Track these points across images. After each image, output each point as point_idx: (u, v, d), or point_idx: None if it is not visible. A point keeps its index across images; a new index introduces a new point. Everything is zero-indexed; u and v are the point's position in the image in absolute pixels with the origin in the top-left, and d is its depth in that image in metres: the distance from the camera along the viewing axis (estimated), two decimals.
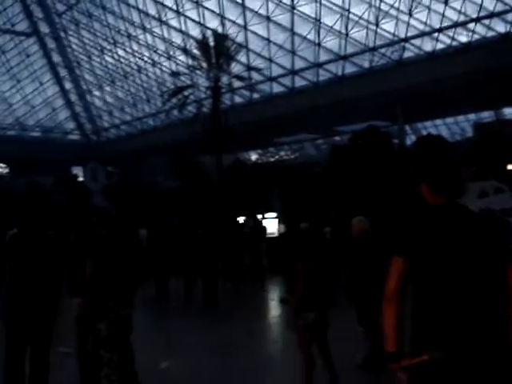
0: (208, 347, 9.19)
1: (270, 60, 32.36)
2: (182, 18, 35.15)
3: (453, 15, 26.08)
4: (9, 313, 5.93)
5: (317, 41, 30.00)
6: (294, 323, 6.30)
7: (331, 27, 29.15)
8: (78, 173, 46.07)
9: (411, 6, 26.77)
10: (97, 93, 48.96)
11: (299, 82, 32.31)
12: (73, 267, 6.67)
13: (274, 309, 13.94)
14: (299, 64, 31.68)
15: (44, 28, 46.33)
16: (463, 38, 26.76)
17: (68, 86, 50.21)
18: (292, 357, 7.14)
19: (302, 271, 6.19)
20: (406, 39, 27.65)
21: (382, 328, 3.25)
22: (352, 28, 28.59)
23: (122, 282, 6.16)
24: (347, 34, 28.83)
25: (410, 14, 26.92)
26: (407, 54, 28.12)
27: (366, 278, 7.21)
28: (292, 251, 13.82)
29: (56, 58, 48.35)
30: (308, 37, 30.26)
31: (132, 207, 30.84)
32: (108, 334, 6.01)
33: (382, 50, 28.59)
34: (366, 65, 29.23)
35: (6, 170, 44.45)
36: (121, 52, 42.23)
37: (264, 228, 18.62)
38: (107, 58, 44.02)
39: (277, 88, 33.64)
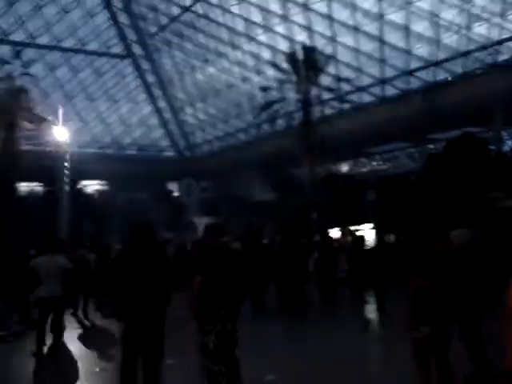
0: (311, 358, 9.24)
1: (360, 70, 32.16)
2: (270, 33, 35.58)
3: None
4: (124, 324, 6.25)
5: (407, 48, 29.59)
6: (404, 335, 6.16)
7: (421, 34, 28.69)
8: (173, 188, 47.40)
9: (504, 9, 25.98)
10: (189, 110, 50.27)
11: (389, 91, 31.93)
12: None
13: (374, 321, 13.80)
14: (389, 72, 31.33)
15: (137, 49, 48.10)
16: None
17: (162, 104, 51.82)
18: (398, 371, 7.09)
19: (414, 286, 6.07)
20: (500, 42, 26.81)
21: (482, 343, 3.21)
22: (443, 33, 28.04)
23: (228, 296, 6.36)
24: (438, 40, 28.28)
25: (503, 16, 26.13)
26: (501, 57, 27.24)
27: (466, 292, 7.01)
28: (386, 263, 13.71)
29: (150, 77, 50.07)
30: (398, 44, 29.91)
31: (228, 221, 31.45)
32: (215, 347, 6.22)
33: (475, 55, 27.85)
34: (459, 70, 28.54)
35: (105, 187, 46.24)
36: (211, 69, 43.18)
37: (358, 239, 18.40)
38: (198, 76, 45.11)
39: (367, 97, 33.38)
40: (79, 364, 9.72)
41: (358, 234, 19.82)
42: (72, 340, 11.36)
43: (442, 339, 6.05)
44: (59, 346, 10.14)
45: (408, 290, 6.15)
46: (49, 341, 10.07)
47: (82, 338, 12.24)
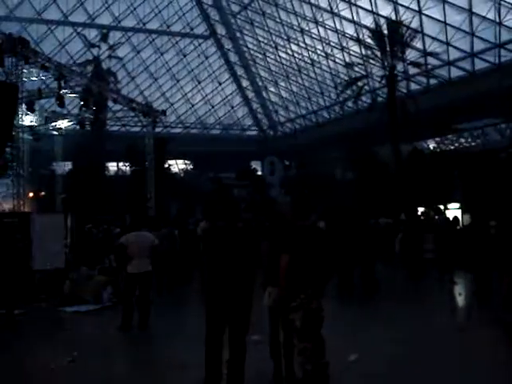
0: (395, 340, 9.12)
1: (448, 44, 31.08)
2: (353, 8, 34.91)
3: None
4: (208, 299, 6.36)
5: (497, 20, 28.30)
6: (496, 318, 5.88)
7: None
8: (257, 167, 47.68)
9: None
10: (272, 89, 50.28)
11: (479, 65, 30.69)
12: (267, 258, 6.92)
13: (463, 302, 13.46)
14: (479, 46, 30.09)
15: (220, 29, 48.38)
16: None
17: (245, 83, 52.06)
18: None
19: None
20: None
21: None
22: None
23: (314, 274, 6.34)
24: None
25: None
26: None
27: None
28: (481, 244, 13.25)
29: (233, 57, 50.35)
30: (488, 16, 28.64)
31: (306, 199, 31.34)
32: (302, 324, 6.23)
33: None
34: None
35: (191, 167, 47.05)
36: (294, 47, 42.91)
37: (449, 219, 17.93)
38: (281, 54, 44.96)
39: (456, 72, 32.23)
40: (163, 338, 10.00)
41: (446, 213, 19.33)
42: (161, 315, 11.68)
43: None
44: (148, 321, 10.45)
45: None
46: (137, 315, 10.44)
47: (169, 313, 12.56)
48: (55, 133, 26.95)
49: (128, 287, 10.58)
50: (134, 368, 8.19)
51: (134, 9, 43.42)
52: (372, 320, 10.97)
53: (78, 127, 27.23)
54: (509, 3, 27.31)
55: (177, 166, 45.80)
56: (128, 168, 37.90)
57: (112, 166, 41.48)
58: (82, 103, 24.21)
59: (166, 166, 38.13)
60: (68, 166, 35.89)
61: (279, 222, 7.40)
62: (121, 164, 40.63)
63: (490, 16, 28.30)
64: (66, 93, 22.63)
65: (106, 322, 11.07)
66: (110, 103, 29.15)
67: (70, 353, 8.48)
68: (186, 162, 47.68)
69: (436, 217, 19.41)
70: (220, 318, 6.30)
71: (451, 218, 15.90)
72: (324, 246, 6.55)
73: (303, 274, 6.27)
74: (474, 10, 28.95)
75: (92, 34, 41.47)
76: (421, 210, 24.17)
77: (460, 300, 13.76)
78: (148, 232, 11.12)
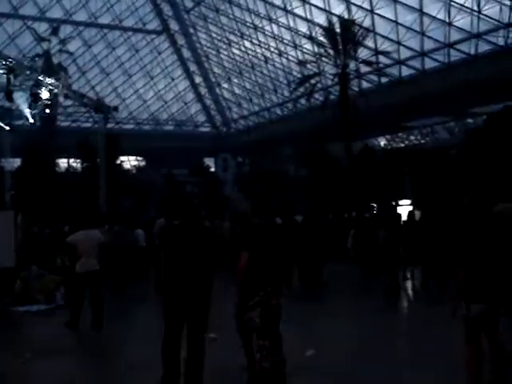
0: (354, 335, 9.27)
1: (399, 43, 31.58)
2: (307, 6, 35.15)
3: None
4: (166, 297, 6.33)
5: (447, 20, 28.89)
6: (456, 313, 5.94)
7: (462, 4, 27.96)
8: (210, 164, 47.57)
9: None
10: (225, 85, 50.20)
11: (429, 64, 31.29)
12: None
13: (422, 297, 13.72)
14: (429, 45, 30.67)
15: (173, 25, 48.04)
16: None
17: (198, 79, 51.84)
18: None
19: (464, 263, 5.84)
20: None
21: None
22: (484, 4, 27.27)
23: (273, 271, 6.38)
24: (479, 11, 27.53)
25: None
26: None
27: None
28: (432, 239, 13.56)
29: (186, 53, 50.03)
30: (438, 16, 29.21)
31: (263, 196, 31.49)
32: (260, 322, 6.26)
33: None
34: (501, 42, 27.80)
35: (143, 163, 46.66)
36: (247, 44, 42.95)
37: (399, 215, 18.26)
38: (235, 51, 44.94)
39: (406, 71, 32.80)
40: (118, 338, 9.91)
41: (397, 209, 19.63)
42: (115, 314, 11.56)
43: (493, 318, 5.83)
44: (102, 321, 10.34)
45: (455, 268, 6.03)
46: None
47: (124, 311, 12.44)
48: (4, 127, 26.31)
49: (77, 287, 10.46)
50: (90, 368, 8.08)
51: (86, 2, 42.74)
52: (327, 316, 11.09)
53: (27, 123, 26.64)
54: (458, 4, 27.92)
55: (129, 162, 45.35)
56: (79, 164, 37.32)
57: (63, 163, 40.75)
58: (31, 98, 23.71)
59: (118, 162, 37.68)
60: (17, 162, 35.09)
61: (238, 221, 7.44)
62: (71, 160, 39.97)
63: (440, 16, 28.91)
64: (15, 87, 22.14)
65: (59, 321, 10.88)
66: (61, 98, 28.61)
67: (22, 354, 8.33)
68: (139, 158, 47.26)
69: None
70: (178, 315, 6.28)
71: (406, 213, 16.12)
72: (282, 242, 6.61)
73: (262, 271, 6.31)
74: (424, 10, 29.51)
75: (42, 28, 40.62)
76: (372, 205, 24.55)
77: (412, 294, 14.05)
78: (95, 230, 10.97)
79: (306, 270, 14.56)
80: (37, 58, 35.86)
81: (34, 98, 23.59)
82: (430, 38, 30.17)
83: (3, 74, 21.04)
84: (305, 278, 14.56)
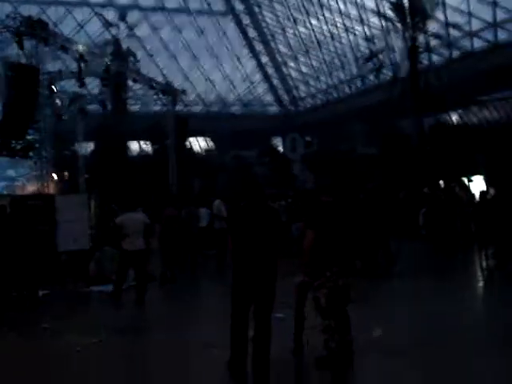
0: (421, 317, 9.10)
1: (470, 14, 30.50)
2: None
3: None
4: (234, 278, 6.39)
5: None
6: None
7: None
8: (278, 144, 47.48)
9: None
10: (292, 64, 49.83)
11: (502, 35, 30.10)
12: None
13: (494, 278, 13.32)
14: (501, 16, 29.48)
15: (238, 5, 47.96)
16: None
17: (264, 59, 51.64)
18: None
19: None
20: None
21: None
22: None
23: (340, 251, 6.32)
24: None
25: None
26: None
27: None
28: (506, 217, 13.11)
29: (251, 33, 49.89)
30: None
31: (330, 175, 31.24)
32: (326, 302, 6.23)
33: None
34: None
35: (212, 144, 47.04)
36: (313, 21, 42.43)
37: (472, 195, 17.82)
38: (300, 29, 44.49)
39: (478, 43, 31.66)
40: (187, 318, 10.08)
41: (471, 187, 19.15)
42: (184, 293, 11.76)
43: None
44: (144, 296, 11.00)
45: None
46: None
47: (193, 291, 12.65)
48: (77, 113, 27.04)
49: (122, 263, 11.49)
50: (159, 348, 8.23)
51: None
52: (399, 296, 10.95)
53: (99, 107, 27.30)
54: None
55: (198, 144, 45.81)
56: (150, 147, 37.97)
57: (134, 146, 41.60)
58: (102, 83, 24.25)
59: (188, 144, 38.12)
60: (90, 146, 36.05)
61: (305, 200, 7.41)
62: (142, 143, 40.72)
63: None
64: (86, 73, 22.66)
65: (131, 301, 11.18)
66: (130, 83, 29.15)
67: (99, 334, 8.58)
68: (207, 139, 47.66)
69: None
70: (245, 296, 6.33)
71: (478, 193, 15.62)
72: (349, 222, 6.54)
73: (328, 250, 6.26)
74: None
75: (110, 15, 41.36)
76: (441, 183, 24.01)
77: (488, 276, 13.63)
78: (140, 213, 12.00)
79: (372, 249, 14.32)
80: (106, 44, 36.62)
81: (105, 83, 24.10)
82: (502, 7, 28.99)
83: (74, 60, 21.53)
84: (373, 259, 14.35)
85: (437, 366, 6.76)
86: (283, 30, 46.47)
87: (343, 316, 6.40)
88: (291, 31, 45.89)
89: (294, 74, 50.74)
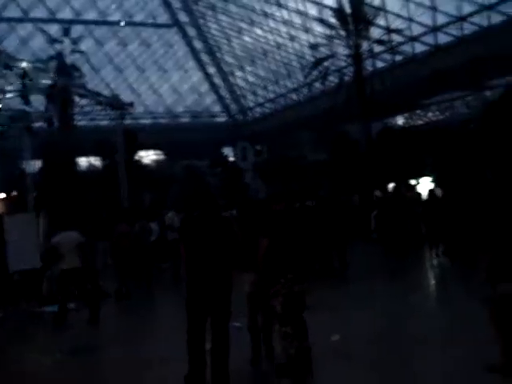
0: (374, 318, 9.22)
1: (410, 19, 31.21)
2: None
3: None
4: (189, 290, 6.35)
5: None
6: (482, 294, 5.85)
7: None
8: (229, 153, 47.54)
9: None
10: (239, 73, 50.03)
11: (443, 39, 30.89)
12: (244, 244, 6.93)
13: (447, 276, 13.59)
14: (442, 20, 30.27)
15: (183, 17, 47.95)
16: None
17: (211, 70, 51.72)
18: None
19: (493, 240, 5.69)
20: None
21: None
22: None
23: (294, 258, 6.36)
24: None
25: None
26: None
27: None
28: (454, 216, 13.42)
29: (197, 44, 49.94)
30: None
31: (281, 182, 31.45)
32: (282, 309, 6.26)
33: None
34: None
35: (162, 157, 46.75)
36: (258, 31, 42.73)
37: (419, 194, 18.20)
38: (246, 39, 44.75)
39: (420, 47, 32.42)
40: (141, 333, 9.98)
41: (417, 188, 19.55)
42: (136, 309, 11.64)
43: None
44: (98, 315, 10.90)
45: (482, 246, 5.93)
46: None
47: (145, 307, 12.54)
48: (23, 131, 26.52)
49: (61, 282, 11.52)
50: (116, 365, 8.12)
51: (95, 1, 42.81)
52: (355, 300, 11.07)
53: (45, 124, 26.82)
54: None
55: (148, 157, 45.46)
56: (99, 162, 37.50)
57: (83, 162, 41.00)
58: (47, 100, 23.87)
59: (137, 157, 37.82)
60: (38, 164, 35.37)
61: (255, 208, 7.44)
62: (92, 159, 40.18)
63: None
64: (31, 90, 22.28)
65: (85, 319, 11.01)
66: (77, 98, 28.74)
67: (51, 353, 8.43)
68: (157, 152, 47.34)
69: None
70: (201, 307, 6.30)
71: (426, 192, 15.96)
72: (302, 229, 6.59)
73: (282, 258, 6.29)
74: None
75: (54, 30, 40.79)
76: (391, 186, 24.44)
77: (439, 276, 13.92)
78: (74, 232, 11.75)
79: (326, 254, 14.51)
80: (50, 60, 36.03)
81: (51, 100, 23.72)
82: (441, 12, 29.77)
83: (18, 77, 21.14)
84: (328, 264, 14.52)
85: (395, 367, 6.86)
86: (229, 40, 46.64)
87: (300, 322, 6.43)
88: (237, 41, 46.09)
89: (241, 83, 50.95)
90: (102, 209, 25.89)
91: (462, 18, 28.98)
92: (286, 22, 39.49)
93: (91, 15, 43.35)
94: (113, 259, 14.21)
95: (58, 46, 39.73)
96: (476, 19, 28.53)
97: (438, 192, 16.75)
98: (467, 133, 24.74)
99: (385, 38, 31.58)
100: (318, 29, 36.79)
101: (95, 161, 39.16)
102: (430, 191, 15.81)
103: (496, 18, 27.74)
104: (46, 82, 23.30)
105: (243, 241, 6.86)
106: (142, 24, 46.53)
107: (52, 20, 41.53)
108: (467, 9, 28.72)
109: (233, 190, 33.32)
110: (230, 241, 6.47)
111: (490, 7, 27.51)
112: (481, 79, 31.79)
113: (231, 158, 46.26)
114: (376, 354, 7.36)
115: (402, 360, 7.04)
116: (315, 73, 33.71)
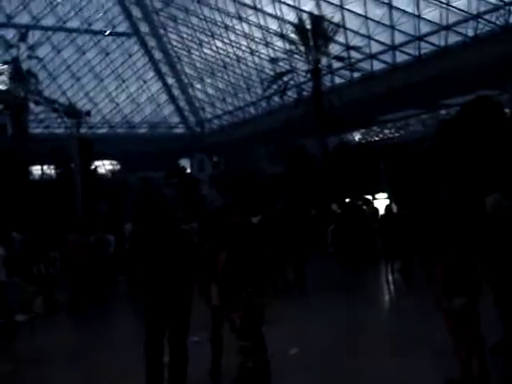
0: (335, 332, 9.25)
1: (369, 37, 31.72)
2: (277, 4, 35.15)
3: None
4: (147, 303, 6.24)
5: (416, 13, 29.06)
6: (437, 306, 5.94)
7: None
8: (186, 165, 47.38)
9: None
10: (198, 85, 50.00)
11: (400, 57, 31.46)
12: (208, 256, 6.85)
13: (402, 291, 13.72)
14: (399, 39, 30.85)
15: (143, 27, 47.70)
16: None
17: (170, 81, 51.54)
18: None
19: (446, 257, 5.82)
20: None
21: None
22: None
23: (254, 271, 6.32)
24: (448, 3, 27.74)
25: None
26: None
27: (503, 257, 6.83)
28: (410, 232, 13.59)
29: (157, 55, 49.73)
30: (407, 9, 29.38)
31: (238, 194, 31.44)
32: (241, 323, 6.21)
33: (487, 17, 27.26)
34: (471, 33, 28.02)
35: (118, 167, 46.29)
36: (219, 43, 42.83)
37: (376, 209, 18.42)
38: (206, 51, 44.78)
39: (378, 65, 32.95)
40: (98, 347, 9.79)
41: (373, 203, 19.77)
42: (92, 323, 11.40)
43: (474, 310, 5.84)
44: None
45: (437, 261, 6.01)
46: None
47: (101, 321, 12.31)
48: None
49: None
50: (70, 380, 7.92)
51: (54, 7, 42.29)
52: (310, 313, 11.07)
53: None
54: None
55: (104, 167, 44.95)
56: (53, 171, 36.85)
57: (36, 170, 40.24)
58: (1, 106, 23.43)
59: (93, 167, 37.30)
60: None
61: (214, 220, 7.38)
62: (45, 167, 39.47)
63: (410, 9, 29.06)
64: None
65: (38, 331, 10.73)
66: (32, 105, 28.29)
67: (5, 364, 8.20)
68: (113, 162, 46.86)
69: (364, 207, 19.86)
70: (160, 320, 6.19)
71: (384, 208, 16.10)
72: (260, 242, 6.55)
73: (242, 271, 6.25)
74: (393, 4, 29.65)
75: (10, 35, 40.05)
76: (347, 200, 24.66)
77: (395, 289, 14.05)
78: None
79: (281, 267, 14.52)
80: (5, 65, 35.36)
81: (5, 106, 23.29)
82: (400, 31, 30.33)
83: None
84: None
85: (352, 379, 6.89)
86: (189, 51, 46.59)
87: (259, 336, 6.39)
88: (197, 53, 46.08)
89: (200, 95, 50.92)
90: (55, 218, 25.34)
91: (420, 38, 29.55)
92: (246, 36, 39.67)
93: (49, 21, 42.70)
94: (65, 270, 13.93)
95: (14, 52, 39.02)
96: (434, 39, 29.12)
97: (394, 208, 16.94)
98: (422, 150, 25.16)
99: (344, 54, 32.02)
100: (279, 43, 37.12)
101: (49, 169, 38.46)
102: (387, 206, 15.96)
103: (453, 38, 28.38)
104: (1, 87, 22.85)
105: (208, 253, 6.79)
106: (101, 32, 46.06)
107: (8, 25, 40.75)
108: (425, 29, 29.34)
109: (189, 201, 33.13)
110: (189, 254, 6.37)
111: (447, 28, 28.13)
112: (437, 98, 32.50)
113: (188, 170, 46.14)
114: (333, 366, 7.36)
115: (360, 372, 7.06)
116: (274, 87, 33.95)
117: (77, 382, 7.68)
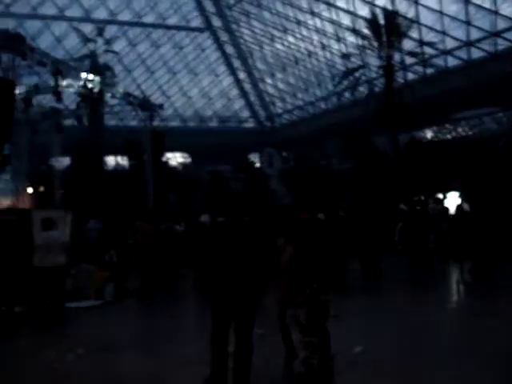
0: (399, 329, 9.16)
1: (444, 33, 31.03)
2: None
3: None
4: (214, 294, 6.34)
5: (493, 8, 28.25)
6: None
7: None
8: (255, 159, 47.62)
9: None
10: (269, 80, 50.14)
11: (476, 54, 30.64)
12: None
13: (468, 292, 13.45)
14: (475, 35, 30.04)
15: (216, 22, 48.19)
16: None
17: (242, 75, 51.89)
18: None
19: None
20: None
21: None
22: None
23: (318, 268, 6.35)
24: None
25: None
26: None
27: None
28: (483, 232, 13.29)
29: (229, 49, 50.16)
30: (483, 5, 28.58)
31: (306, 190, 31.36)
32: (306, 319, 6.25)
33: None
34: None
35: (189, 160, 46.94)
36: (291, 38, 42.82)
37: (446, 208, 18.05)
38: (278, 46, 44.84)
39: (452, 61, 32.20)
40: (164, 335, 10.02)
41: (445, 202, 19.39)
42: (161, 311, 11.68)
43: None
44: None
45: None
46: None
47: (169, 309, 12.58)
48: (53, 128, 26.87)
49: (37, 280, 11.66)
50: (138, 365, 8.13)
51: (130, 2, 43.31)
52: (377, 311, 11.00)
53: (75, 122, 27.19)
54: None
55: (175, 159, 45.72)
56: (126, 162, 37.81)
57: (111, 161, 41.40)
58: (79, 98, 24.17)
59: (164, 159, 38.00)
60: (66, 161, 35.79)
61: (285, 217, 7.43)
62: (119, 158, 40.55)
63: (486, 5, 28.27)
64: (63, 88, 22.57)
65: (108, 317, 11.09)
66: (108, 98, 29.06)
67: (74, 349, 8.49)
68: (184, 155, 47.58)
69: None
70: (226, 310, 6.28)
71: (455, 207, 15.81)
72: (327, 239, 6.57)
73: (308, 267, 6.28)
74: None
75: (88, 29, 41.27)
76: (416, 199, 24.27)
77: (463, 289, 13.76)
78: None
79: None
80: (83, 59, 36.50)
81: (82, 98, 24.02)
82: (475, 27, 29.55)
83: (52, 74, 21.44)
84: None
85: (418, 379, 6.81)
86: (260, 46, 46.78)
87: (323, 332, 6.42)
88: (268, 48, 46.21)
89: (270, 90, 51.05)
90: (126, 208, 26.01)
91: (496, 34, 28.71)
92: (318, 31, 39.51)
93: (125, 16, 43.77)
94: (137, 257, 14.29)
95: (91, 46, 40.21)
96: (511, 35, 28.23)
97: (466, 207, 16.56)
98: (496, 149, 24.50)
99: (417, 50, 31.46)
100: (350, 38, 36.78)
101: (122, 160, 39.49)
102: (458, 206, 15.63)
103: None
104: (79, 80, 23.58)
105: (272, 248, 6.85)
106: (176, 27, 46.85)
107: (86, 19, 42.01)
108: (501, 25, 28.49)
109: (255, 196, 33.31)
110: (258, 246, 6.43)
111: None
112: None
113: (257, 164, 46.34)
114: (397, 368, 7.29)
115: (426, 371, 6.97)
116: (345, 82, 33.71)
117: (143, 367, 7.88)
